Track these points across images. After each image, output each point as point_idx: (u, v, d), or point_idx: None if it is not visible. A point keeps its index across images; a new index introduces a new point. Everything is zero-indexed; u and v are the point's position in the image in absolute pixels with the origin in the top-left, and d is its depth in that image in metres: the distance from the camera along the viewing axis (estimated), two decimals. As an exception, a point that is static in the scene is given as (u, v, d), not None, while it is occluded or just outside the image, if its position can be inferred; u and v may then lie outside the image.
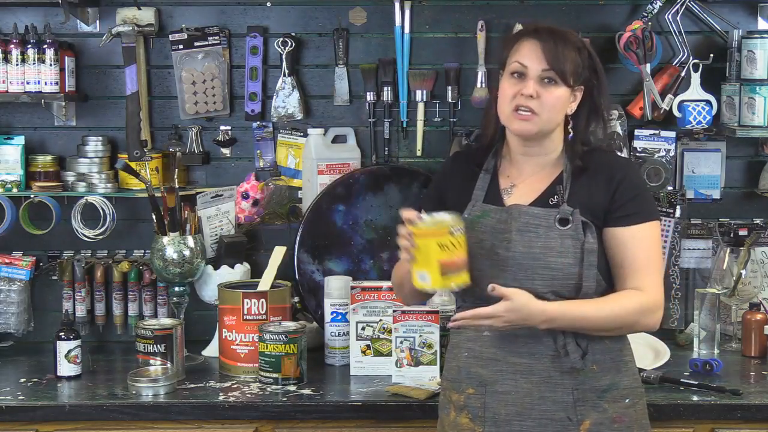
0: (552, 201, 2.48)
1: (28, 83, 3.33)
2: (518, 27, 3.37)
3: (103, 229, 3.39)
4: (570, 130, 2.53)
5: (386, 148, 3.51)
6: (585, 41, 2.56)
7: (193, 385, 3.03)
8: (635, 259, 2.47)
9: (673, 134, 3.47)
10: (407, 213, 2.39)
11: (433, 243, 2.37)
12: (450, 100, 3.48)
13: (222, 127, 3.52)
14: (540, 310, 2.39)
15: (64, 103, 3.40)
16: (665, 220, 3.47)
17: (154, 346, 3.05)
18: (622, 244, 2.47)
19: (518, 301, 2.37)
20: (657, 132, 3.46)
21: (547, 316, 2.40)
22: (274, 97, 3.48)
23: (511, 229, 2.46)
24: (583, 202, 2.47)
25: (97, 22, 3.48)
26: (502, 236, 2.46)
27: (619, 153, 3.37)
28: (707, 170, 3.52)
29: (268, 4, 3.50)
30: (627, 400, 2.50)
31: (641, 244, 2.47)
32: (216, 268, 3.34)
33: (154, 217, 3.26)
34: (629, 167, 2.58)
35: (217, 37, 3.46)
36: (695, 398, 2.90)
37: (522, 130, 2.47)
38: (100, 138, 3.46)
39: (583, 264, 2.43)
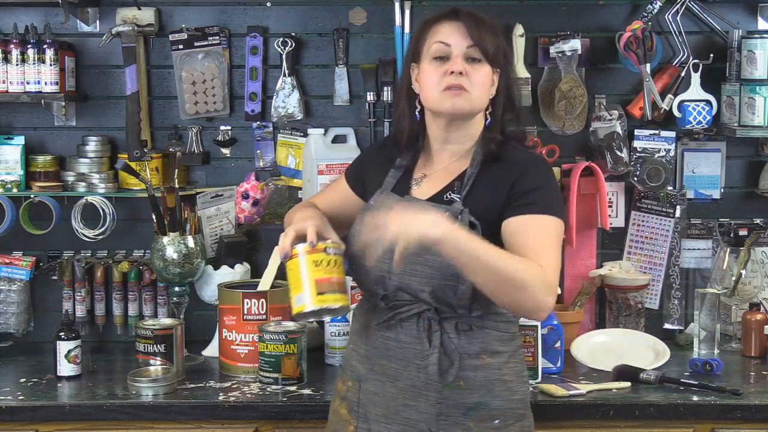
0: (447, 197, 2.43)
1: (28, 83, 3.33)
2: (519, 27, 3.37)
3: (103, 229, 3.39)
4: (488, 115, 2.47)
5: (386, 148, 3.51)
6: (501, 24, 2.55)
7: (193, 385, 3.03)
8: (526, 246, 2.32)
9: (673, 134, 3.47)
10: (285, 240, 2.38)
11: (308, 260, 2.34)
12: (450, 100, 3.48)
13: (222, 127, 3.52)
14: (432, 222, 2.21)
15: (64, 103, 3.40)
16: (665, 220, 3.48)
17: (154, 346, 3.05)
18: (513, 232, 2.35)
19: (400, 211, 2.25)
20: (657, 132, 3.46)
21: (441, 229, 2.21)
22: (274, 97, 3.48)
23: None
24: (482, 199, 2.40)
25: (97, 22, 3.48)
26: None
27: (619, 153, 3.37)
28: (707, 170, 3.52)
29: (268, 4, 3.50)
30: (497, 422, 2.42)
31: (534, 232, 2.34)
32: (216, 268, 3.34)
33: (154, 217, 3.26)
34: (534, 163, 2.45)
35: (217, 37, 3.46)
36: (695, 398, 2.90)
37: (455, 106, 2.41)
38: (100, 138, 3.46)
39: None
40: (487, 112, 2.48)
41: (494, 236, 2.36)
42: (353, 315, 2.62)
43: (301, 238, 2.40)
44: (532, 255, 2.31)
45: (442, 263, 2.32)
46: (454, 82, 2.40)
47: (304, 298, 2.34)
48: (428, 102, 2.47)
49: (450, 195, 2.43)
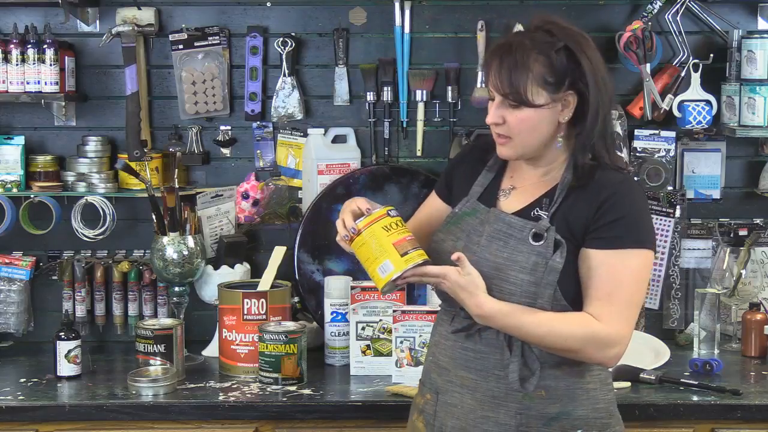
0: (534, 213, 2.37)
1: (28, 83, 3.33)
2: (518, 27, 3.37)
3: (103, 229, 3.39)
4: (560, 139, 2.36)
5: (386, 148, 3.51)
6: (567, 37, 2.31)
7: (193, 385, 3.03)
8: (600, 286, 2.29)
9: (673, 134, 3.47)
10: (346, 220, 2.35)
11: (378, 228, 2.30)
12: (450, 100, 3.48)
13: (222, 127, 3.52)
14: (477, 303, 2.28)
15: (64, 103, 3.40)
16: (665, 220, 3.48)
17: (154, 346, 3.05)
18: (591, 267, 2.30)
19: (472, 280, 2.28)
20: (657, 132, 3.46)
21: (482, 311, 2.28)
22: (274, 97, 3.48)
23: (484, 233, 2.38)
24: (567, 219, 2.33)
25: (97, 22, 3.48)
26: (475, 238, 2.38)
27: (619, 153, 3.36)
28: (707, 170, 3.52)
29: (268, 4, 3.50)
30: (579, 431, 2.37)
31: (611, 272, 2.28)
32: (216, 268, 3.34)
33: (154, 217, 3.26)
34: (622, 185, 2.33)
35: (217, 37, 3.46)
36: (695, 398, 2.91)
37: (502, 155, 2.39)
38: (100, 138, 3.46)
39: (542, 282, 2.29)
40: (559, 136, 2.36)
41: (574, 254, 2.32)
42: (433, 327, 2.56)
43: (357, 216, 2.35)
44: (596, 301, 2.29)
45: (523, 280, 2.30)
46: (495, 131, 2.36)
47: (389, 266, 2.28)
48: None
49: (537, 212, 2.37)
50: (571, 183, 2.35)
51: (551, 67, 2.29)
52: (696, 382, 2.96)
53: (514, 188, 2.45)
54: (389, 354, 3.11)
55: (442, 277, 2.30)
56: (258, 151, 3.53)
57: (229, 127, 3.53)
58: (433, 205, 2.60)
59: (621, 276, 2.29)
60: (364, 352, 3.15)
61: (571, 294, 2.32)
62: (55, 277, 3.49)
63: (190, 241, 3.27)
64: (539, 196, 2.39)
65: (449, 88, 3.47)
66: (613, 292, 2.29)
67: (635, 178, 3.41)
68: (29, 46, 3.32)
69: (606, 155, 2.36)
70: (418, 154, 3.51)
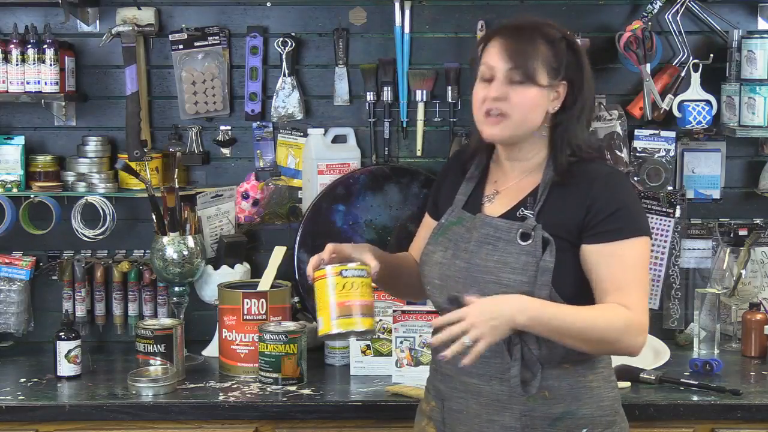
0: (520, 213, 2.37)
1: (28, 83, 3.33)
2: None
3: (103, 229, 3.39)
4: (557, 127, 2.38)
5: (386, 148, 3.51)
6: (563, 33, 2.40)
7: (193, 385, 3.03)
8: (614, 278, 2.29)
9: (673, 134, 3.47)
10: (313, 259, 2.35)
11: (327, 283, 2.31)
12: (450, 100, 3.48)
13: (222, 127, 3.52)
14: (518, 304, 2.23)
15: (64, 103, 3.40)
16: (665, 220, 3.48)
17: (154, 346, 3.05)
18: (598, 261, 2.30)
19: (480, 301, 2.23)
20: (657, 132, 3.46)
21: (528, 314, 2.22)
22: (274, 97, 3.48)
23: (472, 239, 2.37)
24: (556, 216, 2.32)
25: (97, 22, 3.48)
26: (463, 245, 2.38)
27: (618, 153, 3.37)
28: (707, 170, 3.52)
29: (268, 4, 3.50)
30: (584, 430, 2.36)
31: (621, 262, 2.29)
32: (216, 268, 3.34)
33: (154, 217, 3.26)
34: (610, 178, 2.36)
35: (217, 37, 3.46)
36: (695, 398, 2.91)
37: (492, 135, 2.36)
38: (100, 138, 3.46)
39: (536, 283, 2.28)
40: (556, 124, 2.38)
41: (566, 251, 2.31)
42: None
43: (319, 264, 2.36)
44: (616, 292, 2.28)
45: (516, 281, 2.30)
46: (492, 106, 2.34)
47: (324, 322, 2.31)
48: (476, 122, 2.40)
49: (523, 211, 2.36)
50: (554, 179, 2.36)
51: (555, 53, 2.35)
52: (696, 382, 2.96)
53: (498, 193, 2.45)
54: (389, 354, 3.11)
55: (463, 320, 2.21)
56: (258, 151, 3.53)
57: (229, 127, 3.53)
58: (427, 227, 2.59)
59: (631, 265, 2.30)
60: (364, 352, 3.15)
61: (567, 293, 2.31)
62: (55, 277, 3.49)
63: (190, 241, 3.27)
64: (523, 197, 2.39)
65: (449, 88, 3.47)
66: (629, 282, 2.29)
67: (635, 178, 3.42)
68: (29, 46, 3.32)
69: (586, 148, 2.39)
70: (418, 154, 3.51)
